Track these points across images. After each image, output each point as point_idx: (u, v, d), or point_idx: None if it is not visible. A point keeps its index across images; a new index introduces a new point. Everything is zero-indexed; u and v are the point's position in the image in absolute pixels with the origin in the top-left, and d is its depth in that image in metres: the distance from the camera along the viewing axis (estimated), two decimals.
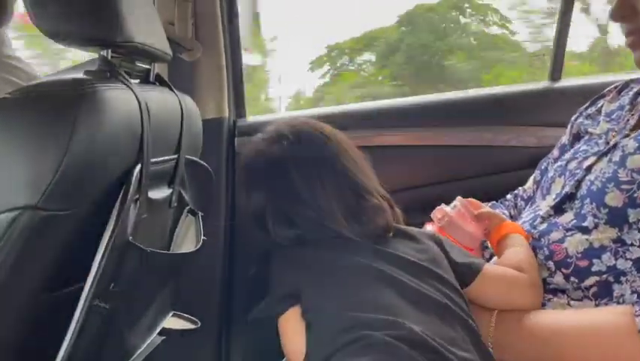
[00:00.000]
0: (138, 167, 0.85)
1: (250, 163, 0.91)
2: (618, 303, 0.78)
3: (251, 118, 1.66)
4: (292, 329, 0.80)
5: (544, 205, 0.94)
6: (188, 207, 1.16)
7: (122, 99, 0.81)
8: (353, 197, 0.84)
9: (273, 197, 0.86)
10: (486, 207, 1.01)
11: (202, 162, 1.17)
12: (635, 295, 0.77)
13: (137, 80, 1.04)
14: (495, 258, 0.96)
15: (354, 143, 0.92)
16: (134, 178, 0.83)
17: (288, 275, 0.83)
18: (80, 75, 0.80)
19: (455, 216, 0.97)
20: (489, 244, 0.99)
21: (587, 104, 1.10)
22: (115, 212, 0.80)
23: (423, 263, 0.80)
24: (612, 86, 1.07)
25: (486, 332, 0.81)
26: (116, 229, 0.79)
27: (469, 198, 1.03)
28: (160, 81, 1.09)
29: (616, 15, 0.88)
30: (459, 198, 1.02)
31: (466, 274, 0.83)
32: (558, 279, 0.83)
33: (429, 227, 1.01)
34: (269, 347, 0.90)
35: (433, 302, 0.75)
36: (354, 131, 1.27)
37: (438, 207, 1.00)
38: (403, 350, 0.68)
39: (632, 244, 0.78)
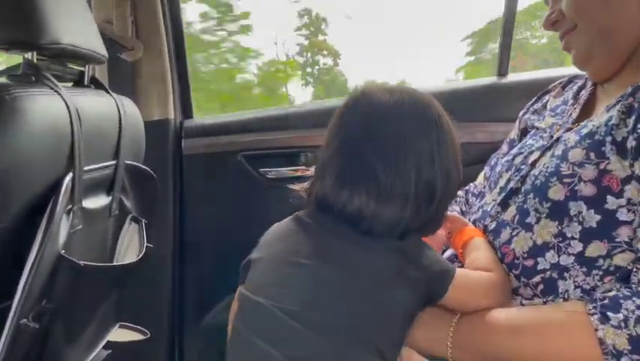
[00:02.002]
0: (69, 175, 0.81)
1: (362, 100, 0.77)
2: (564, 299, 0.79)
3: (198, 119, 1.62)
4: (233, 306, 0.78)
5: (490, 200, 0.94)
6: (130, 215, 1.11)
7: (47, 105, 0.77)
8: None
9: (356, 143, 0.74)
10: (454, 213, 1.01)
11: (144, 167, 1.13)
12: (579, 290, 0.77)
13: (70, 84, 0.99)
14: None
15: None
16: (64, 188, 0.79)
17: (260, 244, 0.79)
18: (1, 80, 0.76)
19: None
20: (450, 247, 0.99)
21: (533, 100, 1.11)
22: (43, 225, 0.75)
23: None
24: (557, 82, 1.08)
25: (445, 333, 0.80)
26: (45, 241, 0.75)
27: None
28: (95, 84, 1.04)
29: (547, 23, 0.90)
30: None
31: (438, 286, 0.77)
32: (511, 280, 0.83)
33: None
34: (224, 354, 0.87)
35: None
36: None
37: None
38: None
39: (572, 237, 0.78)
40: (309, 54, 5.94)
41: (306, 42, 5.90)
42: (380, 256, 0.74)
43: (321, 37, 5.94)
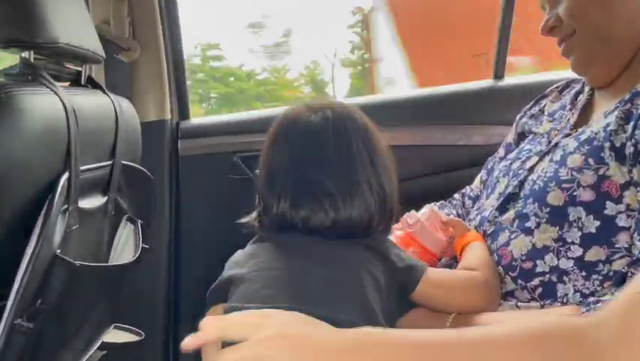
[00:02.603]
0: (65, 175, 0.81)
1: (289, 124, 0.83)
2: (562, 303, 0.79)
3: (194, 120, 1.62)
4: None
5: (488, 205, 0.94)
6: (126, 216, 1.11)
7: (43, 104, 0.76)
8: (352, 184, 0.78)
9: (300, 163, 0.79)
10: (451, 216, 1.01)
11: (140, 167, 1.12)
12: (578, 295, 0.77)
13: (67, 83, 0.99)
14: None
15: None
16: (59, 188, 0.78)
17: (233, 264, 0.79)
18: None
19: (427, 223, 0.97)
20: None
21: (530, 104, 1.11)
22: (39, 224, 0.75)
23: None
24: (554, 86, 1.08)
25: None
26: (41, 241, 0.75)
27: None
28: (92, 84, 1.04)
29: (545, 28, 0.90)
30: (429, 205, 1.02)
31: (407, 279, 0.80)
32: (507, 283, 0.83)
33: (397, 232, 1.01)
34: None
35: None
36: None
37: (409, 213, 1.00)
38: None
39: (572, 243, 0.78)
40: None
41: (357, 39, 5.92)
42: (351, 248, 0.78)
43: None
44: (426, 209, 1.01)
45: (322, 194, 0.77)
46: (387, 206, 0.81)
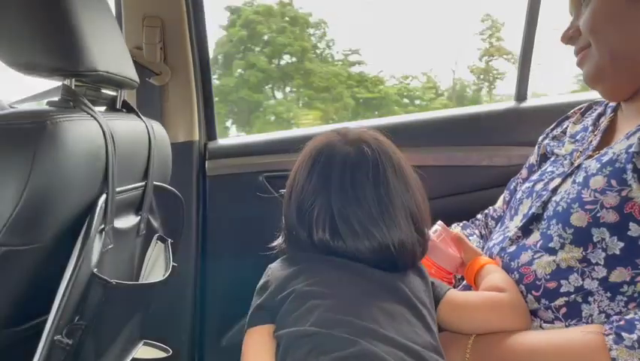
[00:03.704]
0: (103, 197, 0.84)
1: (326, 155, 0.83)
2: (587, 323, 0.79)
3: (221, 141, 1.65)
4: (256, 349, 0.76)
5: (512, 226, 0.95)
6: (157, 235, 1.14)
7: (85, 130, 0.80)
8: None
9: (338, 195, 0.80)
10: (461, 236, 1.02)
11: (171, 188, 1.16)
12: (603, 315, 0.78)
13: (103, 108, 1.03)
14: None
15: None
16: (98, 209, 0.81)
17: (276, 285, 0.78)
18: (42, 106, 0.79)
19: (438, 240, 0.97)
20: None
21: (553, 126, 1.12)
22: (78, 244, 0.78)
23: (419, 305, 0.77)
24: (576, 108, 1.09)
25: (462, 355, 0.81)
26: (80, 261, 0.77)
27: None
28: (127, 108, 1.08)
29: (564, 37, 0.93)
30: (440, 222, 1.01)
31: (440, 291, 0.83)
32: (529, 302, 0.84)
33: None
34: None
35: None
36: None
37: None
38: None
39: (597, 263, 0.78)
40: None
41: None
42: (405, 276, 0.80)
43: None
44: (437, 226, 1.00)
45: (362, 226, 0.78)
46: (425, 233, 0.83)
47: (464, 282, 0.98)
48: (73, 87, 0.85)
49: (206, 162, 1.58)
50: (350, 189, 0.80)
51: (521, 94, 1.54)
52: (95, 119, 0.83)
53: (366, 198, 0.79)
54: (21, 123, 0.72)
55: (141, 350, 1.18)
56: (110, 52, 0.92)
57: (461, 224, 1.18)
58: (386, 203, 0.79)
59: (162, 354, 1.25)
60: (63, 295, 0.76)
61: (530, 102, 1.54)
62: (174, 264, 1.14)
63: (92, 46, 0.85)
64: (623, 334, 0.72)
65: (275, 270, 0.81)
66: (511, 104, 1.55)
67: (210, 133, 1.63)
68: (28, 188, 0.69)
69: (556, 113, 1.13)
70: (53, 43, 0.80)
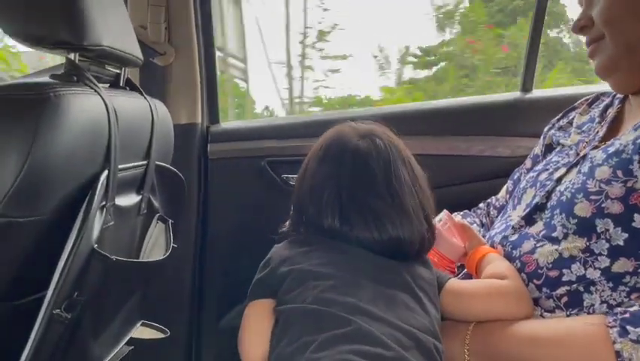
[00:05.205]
0: (105, 173, 0.84)
1: (338, 145, 0.85)
2: (588, 313, 0.79)
3: (224, 124, 1.65)
4: (255, 320, 0.78)
5: (515, 215, 0.95)
6: (158, 215, 1.14)
7: (88, 104, 0.79)
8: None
9: (349, 184, 0.82)
10: (467, 225, 1.01)
11: (173, 168, 1.15)
12: (605, 305, 0.78)
13: (107, 85, 1.02)
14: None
15: None
16: (100, 185, 0.81)
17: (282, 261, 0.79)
18: (45, 79, 0.78)
19: (443, 228, 0.97)
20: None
21: (559, 116, 1.11)
22: (79, 219, 0.78)
23: (420, 293, 0.79)
24: (583, 99, 1.08)
25: (462, 340, 0.81)
26: (81, 236, 0.77)
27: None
28: (130, 86, 1.07)
29: (575, 27, 0.92)
30: (445, 210, 1.01)
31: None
32: (531, 290, 0.84)
33: None
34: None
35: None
36: None
37: None
38: None
39: (600, 254, 0.78)
40: None
41: None
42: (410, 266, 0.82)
43: None
44: (442, 214, 1.00)
45: (372, 215, 0.80)
46: (431, 226, 0.85)
47: (464, 270, 0.98)
48: (77, 61, 0.85)
49: (209, 145, 1.57)
50: (362, 179, 0.81)
51: (527, 85, 1.53)
52: (99, 94, 0.83)
53: (378, 188, 0.81)
54: (24, 94, 0.71)
55: (139, 330, 1.18)
56: (114, 27, 0.91)
57: (462, 213, 1.18)
58: (398, 194, 0.81)
59: (160, 335, 1.25)
60: (63, 270, 0.75)
61: (535, 93, 1.53)
62: (174, 245, 1.14)
63: (96, 20, 0.84)
64: (628, 327, 0.72)
65: (280, 248, 0.83)
66: (516, 94, 1.54)
67: (213, 116, 1.62)
68: (30, 159, 0.69)
69: (561, 105, 1.13)
70: (58, 15, 0.80)
